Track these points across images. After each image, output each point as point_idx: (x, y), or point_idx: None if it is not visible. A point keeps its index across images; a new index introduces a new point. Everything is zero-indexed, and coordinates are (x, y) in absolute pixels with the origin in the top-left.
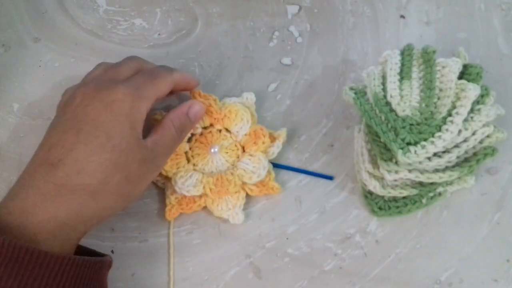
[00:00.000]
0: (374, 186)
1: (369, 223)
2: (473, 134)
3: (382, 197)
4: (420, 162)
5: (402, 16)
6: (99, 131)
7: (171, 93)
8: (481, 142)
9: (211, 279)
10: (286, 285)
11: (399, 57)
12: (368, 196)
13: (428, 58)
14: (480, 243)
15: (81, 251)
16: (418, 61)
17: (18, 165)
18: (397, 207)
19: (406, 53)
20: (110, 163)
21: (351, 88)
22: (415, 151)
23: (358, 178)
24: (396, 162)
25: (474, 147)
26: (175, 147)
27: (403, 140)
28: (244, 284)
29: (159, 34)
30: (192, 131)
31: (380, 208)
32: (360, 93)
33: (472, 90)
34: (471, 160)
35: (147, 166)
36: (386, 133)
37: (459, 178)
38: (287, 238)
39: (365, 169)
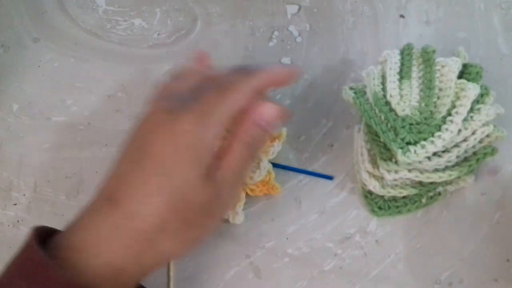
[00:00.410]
0: (374, 186)
1: (369, 223)
2: (473, 133)
3: (382, 197)
4: (420, 162)
5: (402, 16)
6: (161, 168)
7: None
8: (480, 141)
9: (211, 279)
10: (286, 285)
11: (398, 57)
12: (368, 196)
13: (427, 58)
14: (480, 243)
15: None
16: (418, 60)
17: (18, 165)
18: (397, 206)
19: (405, 53)
20: (167, 208)
21: (351, 88)
22: (415, 151)
23: (358, 178)
24: (396, 162)
25: (473, 147)
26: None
27: (402, 139)
28: (244, 284)
29: (158, 34)
30: None
31: (380, 208)
32: (360, 93)
33: (472, 90)
34: (470, 160)
35: (214, 206)
36: (385, 133)
37: (458, 177)
38: (287, 238)
39: (365, 169)
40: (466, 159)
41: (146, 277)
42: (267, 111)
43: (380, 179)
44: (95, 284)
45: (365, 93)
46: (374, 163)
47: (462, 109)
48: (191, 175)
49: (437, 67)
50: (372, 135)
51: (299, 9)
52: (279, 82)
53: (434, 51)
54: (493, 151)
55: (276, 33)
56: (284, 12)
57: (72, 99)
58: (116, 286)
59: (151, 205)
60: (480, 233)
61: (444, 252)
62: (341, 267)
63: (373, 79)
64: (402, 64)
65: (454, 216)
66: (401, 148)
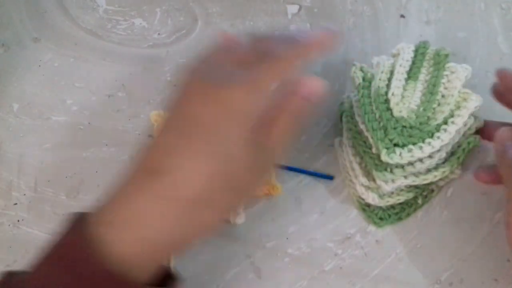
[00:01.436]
0: (372, 198)
1: (369, 223)
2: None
3: (380, 207)
4: (413, 166)
5: (402, 16)
6: (212, 137)
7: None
8: (463, 134)
9: (211, 279)
10: (286, 285)
11: (412, 54)
12: (366, 209)
13: (438, 61)
14: (480, 243)
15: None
16: (429, 62)
17: (18, 165)
18: (396, 213)
19: (420, 51)
20: (216, 175)
21: (362, 70)
22: (400, 153)
23: (351, 193)
24: (391, 171)
25: (458, 141)
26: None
27: (390, 140)
28: (244, 284)
29: (159, 33)
30: None
31: (381, 219)
32: (366, 81)
33: (474, 101)
34: (457, 152)
35: (257, 171)
36: (375, 131)
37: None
38: (287, 238)
39: (360, 183)
40: (452, 153)
41: (179, 253)
42: (315, 85)
43: (376, 190)
44: (131, 260)
45: (371, 83)
46: (368, 176)
47: (459, 120)
48: (241, 140)
49: (446, 72)
50: (362, 147)
51: (299, 9)
52: (324, 49)
53: (447, 55)
54: (476, 139)
55: (276, 33)
56: (284, 12)
57: (72, 99)
58: (149, 261)
59: (200, 173)
60: (480, 233)
61: (444, 252)
62: (341, 267)
63: (381, 72)
64: (413, 63)
65: (454, 216)
66: (387, 148)
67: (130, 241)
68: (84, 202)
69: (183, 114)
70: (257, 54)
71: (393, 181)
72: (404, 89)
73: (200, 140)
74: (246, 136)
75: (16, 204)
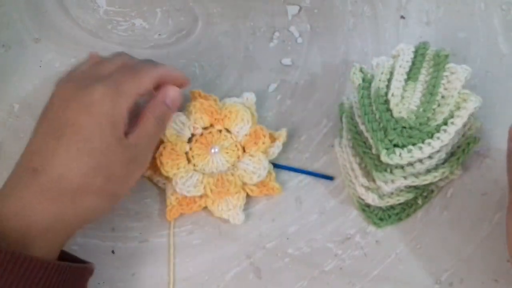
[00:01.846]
0: (372, 198)
1: (369, 224)
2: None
3: (380, 207)
4: (413, 166)
5: (402, 17)
6: (79, 135)
7: (158, 88)
8: (463, 134)
9: (211, 279)
10: (287, 286)
11: (412, 55)
12: (366, 209)
13: (438, 62)
14: (480, 243)
15: (64, 256)
16: (429, 63)
17: None
18: (396, 214)
19: (419, 52)
20: (89, 167)
21: (361, 71)
22: (400, 154)
23: (351, 193)
24: (391, 171)
25: (457, 141)
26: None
27: (390, 141)
28: (245, 284)
29: (159, 34)
30: (192, 131)
31: (381, 219)
32: (366, 82)
33: (473, 102)
34: (457, 153)
35: (131, 164)
36: (375, 132)
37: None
38: (287, 238)
39: (360, 184)
40: (452, 154)
41: (72, 235)
42: (171, 92)
43: (377, 190)
44: (26, 243)
45: (371, 83)
46: (368, 176)
47: (458, 120)
48: (108, 135)
49: (446, 73)
50: (362, 148)
51: (299, 10)
52: (174, 79)
53: (447, 56)
54: (475, 139)
55: (276, 33)
56: (284, 13)
57: None
58: (43, 243)
59: (75, 167)
60: (480, 233)
61: (444, 253)
62: (341, 267)
63: (381, 73)
64: (413, 64)
65: (454, 217)
66: (387, 149)
67: (20, 227)
68: None
69: (49, 117)
70: (121, 69)
71: (392, 181)
72: (404, 90)
73: (70, 139)
74: (111, 134)
75: None
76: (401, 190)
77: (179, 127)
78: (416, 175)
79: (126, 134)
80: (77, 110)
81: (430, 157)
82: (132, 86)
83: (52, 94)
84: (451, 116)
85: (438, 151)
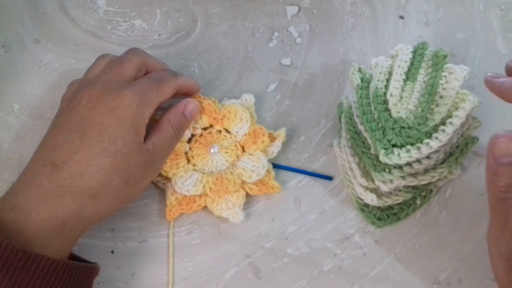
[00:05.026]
0: (371, 198)
1: (368, 223)
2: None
3: (379, 207)
4: (411, 166)
5: (401, 17)
6: (103, 135)
7: (173, 96)
8: (462, 134)
9: (211, 279)
10: (286, 285)
11: (410, 55)
12: (365, 209)
13: (437, 62)
14: (479, 243)
15: (72, 257)
16: (428, 63)
17: (19, 166)
18: (395, 214)
19: (418, 52)
20: (111, 167)
21: (360, 71)
22: (399, 154)
23: (350, 193)
24: (390, 171)
25: (456, 141)
26: (173, 147)
27: (389, 141)
28: (244, 284)
29: (159, 35)
30: (191, 131)
31: (379, 219)
32: (365, 82)
33: (471, 102)
34: (455, 153)
35: (147, 168)
36: (374, 131)
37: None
38: (286, 238)
39: (359, 184)
40: (450, 154)
41: (86, 230)
42: (192, 106)
43: (375, 190)
44: (38, 238)
45: (369, 83)
46: (366, 176)
47: (456, 120)
48: (131, 139)
49: (444, 73)
50: (361, 148)
51: (299, 10)
52: (189, 88)
53: (445, 56)
54: (474, 139)
55: (276, 34)
56: (284, 13)
57: None
58: (59, 237)
59: (96, 165)
60: (479, 233)
61: (443, 252)
62: (340, 267)
63: (380, 73)
64: (411, 64)
65: (453, 216)
66: (385, 149)
67: (38, 220)
68: None
69: (76, 115)
70: (147, 78)
71: (391, 181)
72: (402, 90)
73: (94, 139)
74: (134, 137)
75: None
76: (400, 190)
77: None
78: (415, 175)
79: (145, 138)
80: (103, 112)
81: (428, 157)
82: (156, 96)
83: (72, 94)
84: (450, 116)
85: (436, 151)
